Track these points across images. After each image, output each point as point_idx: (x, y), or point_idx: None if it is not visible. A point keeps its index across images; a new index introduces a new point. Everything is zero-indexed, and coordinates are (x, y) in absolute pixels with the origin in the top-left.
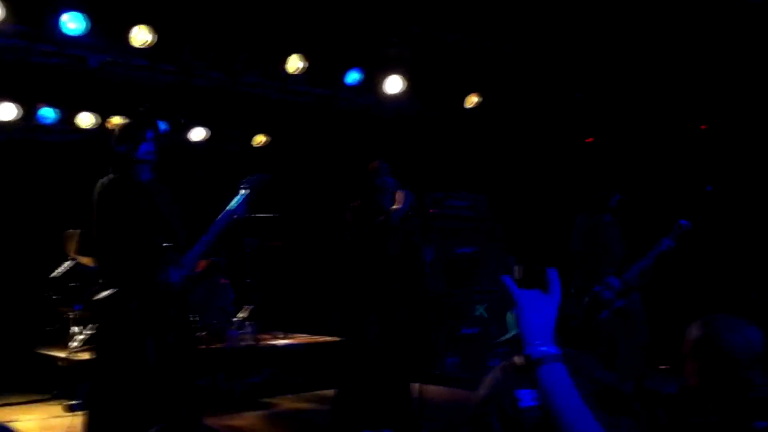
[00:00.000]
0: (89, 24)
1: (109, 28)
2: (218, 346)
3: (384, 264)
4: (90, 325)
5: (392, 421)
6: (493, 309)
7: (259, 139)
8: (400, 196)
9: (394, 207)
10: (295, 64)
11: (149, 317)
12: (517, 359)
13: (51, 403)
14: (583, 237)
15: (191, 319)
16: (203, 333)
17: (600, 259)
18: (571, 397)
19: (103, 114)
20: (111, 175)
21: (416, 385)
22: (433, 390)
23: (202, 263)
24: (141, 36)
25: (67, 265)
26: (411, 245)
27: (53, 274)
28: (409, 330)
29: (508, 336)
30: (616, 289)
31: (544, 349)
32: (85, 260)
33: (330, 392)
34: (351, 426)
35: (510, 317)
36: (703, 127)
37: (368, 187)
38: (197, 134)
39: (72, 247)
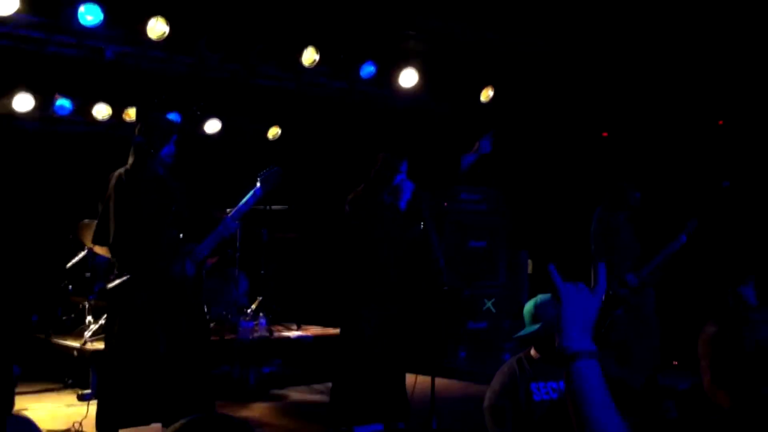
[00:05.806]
0: (105, 15)
1: (125, 20)
2: (231, 337)
3: (381, 256)
4: (105, 315)
5: (385, 415)
6: (502, 303)
7: (274, 132)
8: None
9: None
10: (310, 56)
11: (159, 307)
12: (533, 352)
13: (64, 392)
14: (601, 234)
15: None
16: (213, 324)
17: (618, 256)
18: (602, 395)
19: (119, 105)
20: (126, 167)
21: (428, 378)
22: (445, 383)
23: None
24: (157, 27)
25: (82, 255)
26: (424, 239)
27: (68, 264)
28: (406, 323)
29: (526, 332)
30: (633, 286)
31: (582, 344)
32: (101, 250)
33: None
34: (346, 419)
35: (527, 312)
36: (720, 122)
37: (379, 178)
38: (212, 126)
39: (88, 237)
